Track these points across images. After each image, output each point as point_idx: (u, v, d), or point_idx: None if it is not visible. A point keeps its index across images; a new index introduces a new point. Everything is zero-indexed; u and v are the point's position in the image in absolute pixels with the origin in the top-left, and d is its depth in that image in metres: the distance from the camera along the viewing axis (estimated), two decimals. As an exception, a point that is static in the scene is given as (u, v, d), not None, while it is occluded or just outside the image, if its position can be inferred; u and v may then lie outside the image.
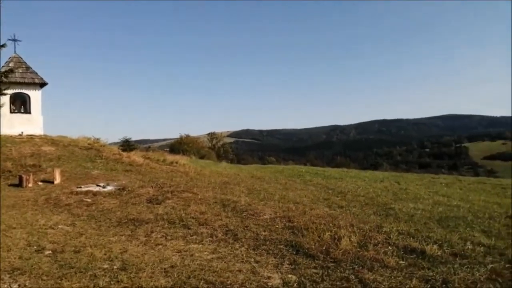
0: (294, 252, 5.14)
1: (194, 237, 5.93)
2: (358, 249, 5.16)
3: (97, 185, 10.28)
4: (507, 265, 4.61)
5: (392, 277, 4.24)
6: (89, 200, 8.61)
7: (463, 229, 6.44)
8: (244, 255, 5.04)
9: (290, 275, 4.33)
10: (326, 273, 4.38)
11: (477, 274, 4.30)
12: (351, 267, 4.53)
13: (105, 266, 4.54)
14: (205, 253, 5.16)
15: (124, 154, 18.17)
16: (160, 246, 5.45)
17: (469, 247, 5.29)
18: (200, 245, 5.51)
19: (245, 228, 6.30)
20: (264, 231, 6.15)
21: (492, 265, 4.59)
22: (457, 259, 4.80)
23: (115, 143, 34.16)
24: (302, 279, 4.20)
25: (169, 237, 5.90)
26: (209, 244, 5.55)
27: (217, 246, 5.47)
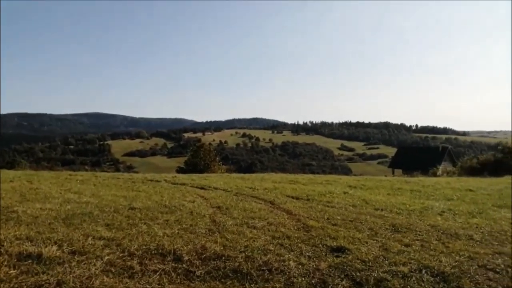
0: None
1: None
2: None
3: None
4: (121, 254, 4.97)
5: (-2, 291, 3.73)
6: None
7: (88, 225, 6.51)
8: None
9: None
10: None
11: (93, 269, 4.40)
12: None
13: None
14: None
15: None
16: None
17: (90, 242, 5.37)
18: None
19: None
20: None
21: (108, 257, 4.83)
22: (75, 257, 4.76)
23: None
24: None
25: None
26: None
27: None
